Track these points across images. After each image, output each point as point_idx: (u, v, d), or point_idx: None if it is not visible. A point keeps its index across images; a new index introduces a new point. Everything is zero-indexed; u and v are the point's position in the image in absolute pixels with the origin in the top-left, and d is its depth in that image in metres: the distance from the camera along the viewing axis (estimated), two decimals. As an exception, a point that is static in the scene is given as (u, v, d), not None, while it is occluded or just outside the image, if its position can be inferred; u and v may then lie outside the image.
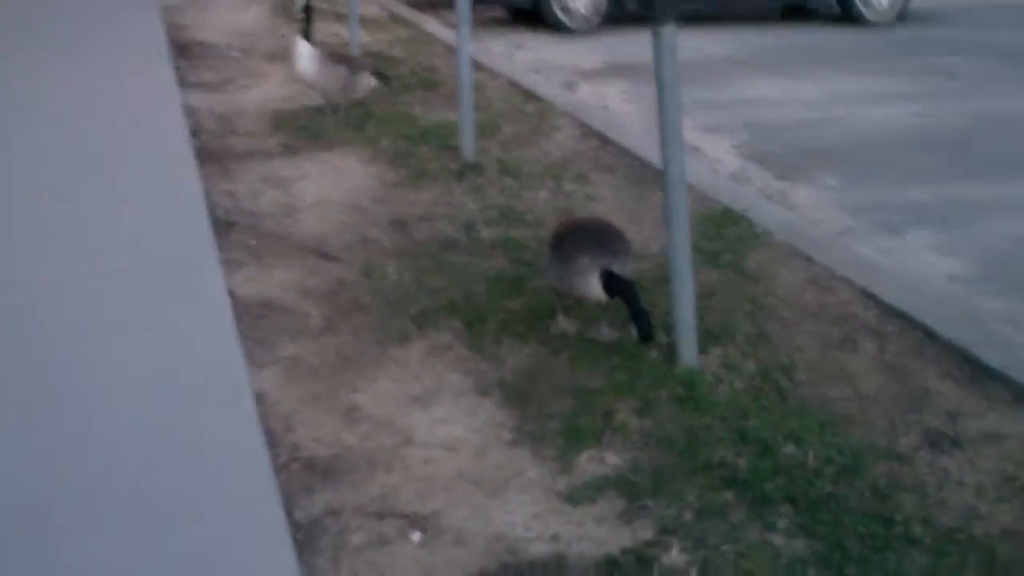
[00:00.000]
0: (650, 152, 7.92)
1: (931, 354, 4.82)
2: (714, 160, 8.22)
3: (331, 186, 7.35)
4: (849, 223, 6.84)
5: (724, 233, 6.24)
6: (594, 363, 4.74)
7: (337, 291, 5.65)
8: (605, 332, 4.95)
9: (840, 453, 4.02)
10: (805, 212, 7.02)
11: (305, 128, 8.69)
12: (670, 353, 4.69)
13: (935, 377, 4.63)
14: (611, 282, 4.61)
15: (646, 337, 4.56)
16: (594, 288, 4.64)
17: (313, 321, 5.30)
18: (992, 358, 4.69)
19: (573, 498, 3.86)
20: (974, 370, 4.66)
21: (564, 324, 5.06)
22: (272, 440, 4.24)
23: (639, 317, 4.54)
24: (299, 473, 4.06)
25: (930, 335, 4.98)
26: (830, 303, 5.34)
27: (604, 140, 8.33)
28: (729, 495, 3.83)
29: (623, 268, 4.68)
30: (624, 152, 7.98)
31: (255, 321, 5.25)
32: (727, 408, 4.33)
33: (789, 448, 4.06)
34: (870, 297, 5.38)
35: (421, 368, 4.82)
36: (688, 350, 4.59)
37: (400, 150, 8.06)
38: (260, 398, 4.53)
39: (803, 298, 5.40)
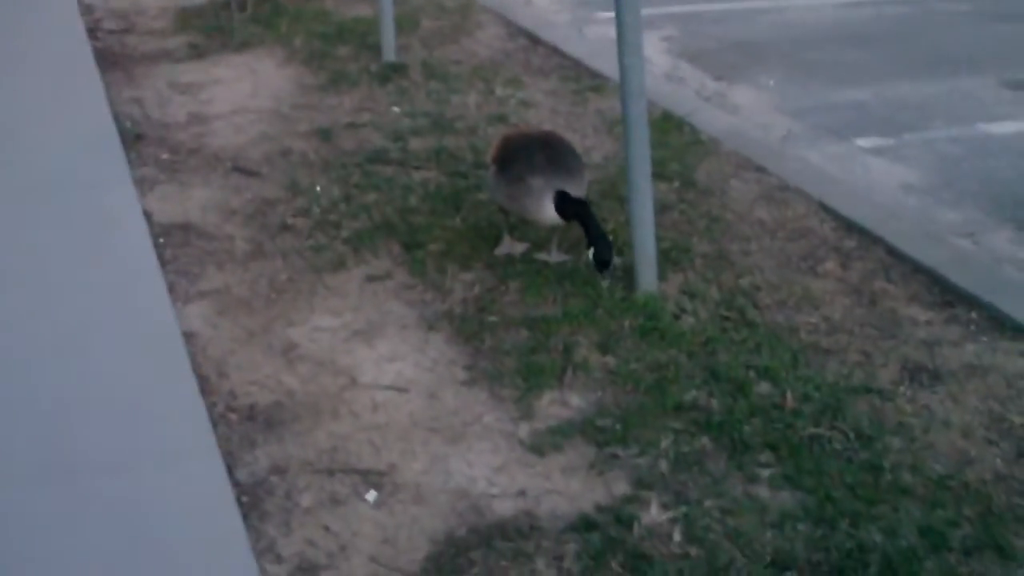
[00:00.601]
0: (583, 52, 7.57)
1: (896, 274, 4.60)
2: (644, 58, 7.84)
3: (245, 92, 6.88)
4: (791, 126, 6.57)
5: (669, 141, 5.94)
6: (546, 290, 4.44)
7: (263, 211, 5.25)
8: (555, 256, 4.64)
9: (817, 390, 3.79)
10: (747, 115, 6.73)
11: (213, 27, 8.14)
12: (627, 279, 4.41)
13: (904, 300, 4.41)
14: (566, 205, 4.29)
15: (604, 264, 4.26)
16: (548, 211, 4.31)
17: (239, 246, 4.92)
18: (961, 279, 4.48)
19: (538, 447, 3.59)
20: (944, 292, 4.45)
21: (510, 246, 4.73)
22: (206, 387, 3.90)
23: (597, 242, 4.24)
24: (239, 425, 3.73)
25: (892, 252, 4.76)
26: (787, 217, 5.09)
27: (533, 39, 7.92)
28: (705, 440, 3.58)
29: (578, 189, 4.36)
30: (555, 52, 7.59)
31: (176, 249, 4.84)
32: (693, 341, 4.07)
33: (763, 386, 3.82)
34: (827, 211, 5.15)
35: (360, 298, 4.48)
36: (647, 276, 4.32)
37: (316, 50, 7.59)
38: (189, 338, 4.17)
39: (759, 213, 5.15)
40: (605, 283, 4.35)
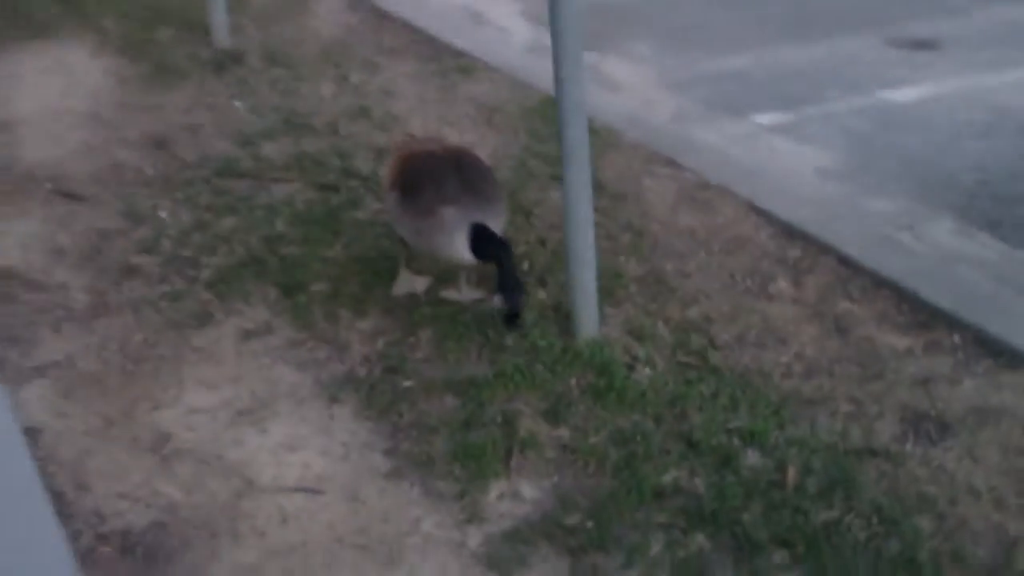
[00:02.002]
0: (435, 25, 6.80)
1: (856, 289, 4.04)
2: (502, 29, 7.13)
3: (55, 89, 5.90)
4: (680, 103, 5.95)
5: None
6: (467, 340, 3.72)
7: (99, 248, 4.37)
8: (467, 294, 3.92)
9: (814, 455, 3.19)
10: (630, 93, 6.08)
11: (9, 7, 7.04)
12: (561, 321, 3.72)
13: (873, 323, 3.84)
14: (486, 244, 3.55)
15: (513, 317, 3.54)
16: (463, 251, 3.57)
17: (76, 298, 4.05)
18: (930, 293, 3.94)
19: (496, 561, 2.89)
20: (914, 310, 3.91)
21: (410, 283, 3.99)
22: (63, 507, 3.06)
23: (511, 292, 3.50)
24: (112, 562, 2.90)
25: (844, 262, 4.21)
26: (717, 224, 4.48)
27: (377, 12, 7.11)
28: (701, 539, 2.94)
29: (498, 221, 3.64)
30: (408, 28, 6.81)
31: (-1, 309, 3.95)
32: (658, 401, 3.42)
33: (752, 456, 3.20)
34: (759, 213, 4.55)
35: (239, 363, 3.69)
36: (588, 319, 3.64)
37: (133, 34, 6.63)
38: (32, 436, 3.30)
39: (685, 219, 4.52)
40: (509, 337, 3.64)
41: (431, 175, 3.69)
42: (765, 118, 5.78)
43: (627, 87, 6.17)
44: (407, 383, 3.54)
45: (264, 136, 5.27)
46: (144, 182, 4.86)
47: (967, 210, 4.81)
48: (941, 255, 4.38)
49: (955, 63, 6.50)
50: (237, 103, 5.64)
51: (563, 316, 3.73)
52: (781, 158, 5.28)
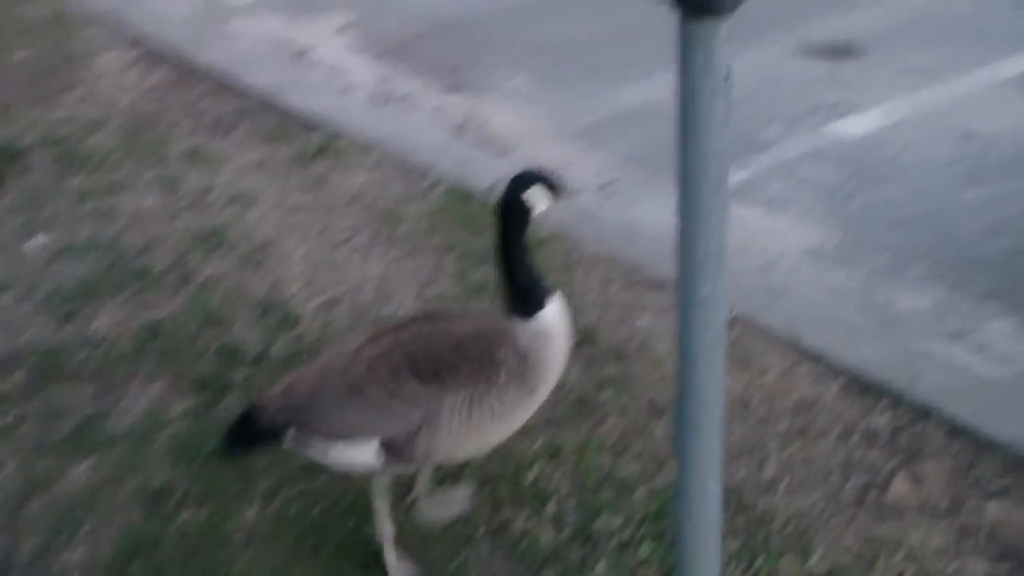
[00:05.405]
0: (264, 79, 5.39)
1: (991, 473, 2.98)
2: (336, 69, 5.73)
3: None
4: (601, 166, 4.76)
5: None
6: None
7: None
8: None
9: None
10: (526, 150, 4.85)
11: None
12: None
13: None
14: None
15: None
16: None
17: None
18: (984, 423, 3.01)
19: None
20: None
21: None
22: None
23: None
24: None
25: (948, 427, 3.15)
26: (768, 385, 3.33)
27: (183, 67, 5.61)
28: None
29: None
30: (227, 85, 5.37)
31: None
32: None
33: None
34: (805, 354, 3.44)
35: None
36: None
37: None
38: None
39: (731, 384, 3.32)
40: None
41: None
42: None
43: (517, 143, 4.95)
44: None
45: (88, 298, 3.80)
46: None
47: (1014, 296, 3.82)
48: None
49: (890, 74, 5.53)
50: (39, 238, 4.11)
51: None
52: (760, 241, 4.21)
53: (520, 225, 2.64)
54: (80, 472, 3.08)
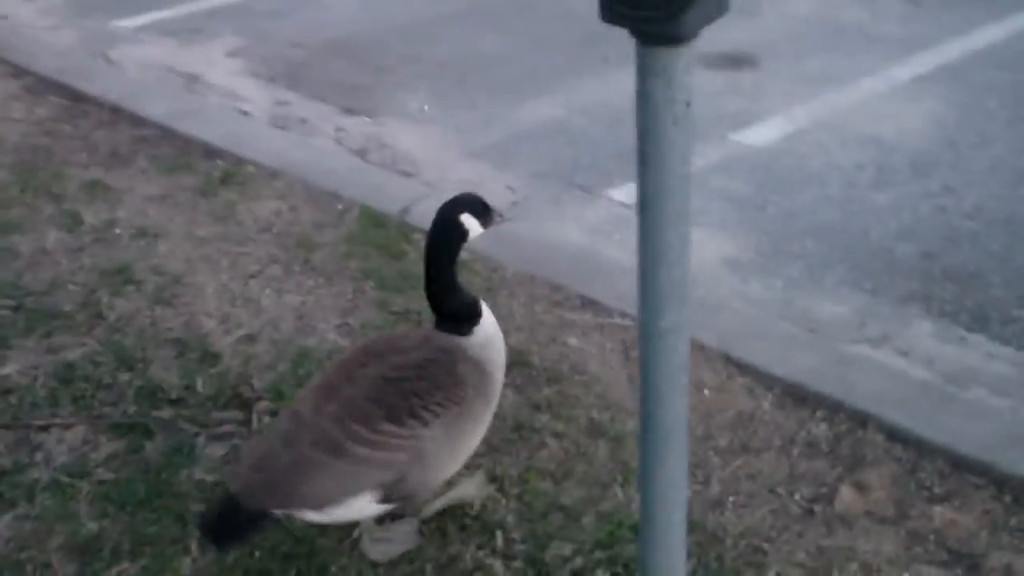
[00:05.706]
0: (160, 108, 5.27)
1: (932, 478, 3.00)
2: (231, 95, 5.62)
3: None
4: (507, 184, 4.74)
5: (413, 279, 3.89)
6: None
7: None
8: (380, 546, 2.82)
9: None
10: (432, 171, 4.81)
11: None
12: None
13: (988, 534, 2.81)
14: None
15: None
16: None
17: None
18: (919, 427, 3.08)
19: None
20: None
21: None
22: None
23: None
24: None
25: (885, 430, 3.17)
26: (706, 401, 3.29)
27: (73, 96, 5.46)
28: None
29: None
30: (122, 115, 5.23)
31: None
32: None
33: None
34: (738, 367, 3.43)
35: None
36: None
37: None
38: None
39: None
40: None
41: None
42: (620, 192, 4.66)
43: (424, 164, 4.94)
44: None
45: (-7, 339, 3.63)
46: None
47: (930, 300, 3.90)
48: (955, 380, 3.44)
49: (787, 82, 5.61)
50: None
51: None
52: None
53: (454, 248, 2.64)
54: (1, 528, 2.93)
